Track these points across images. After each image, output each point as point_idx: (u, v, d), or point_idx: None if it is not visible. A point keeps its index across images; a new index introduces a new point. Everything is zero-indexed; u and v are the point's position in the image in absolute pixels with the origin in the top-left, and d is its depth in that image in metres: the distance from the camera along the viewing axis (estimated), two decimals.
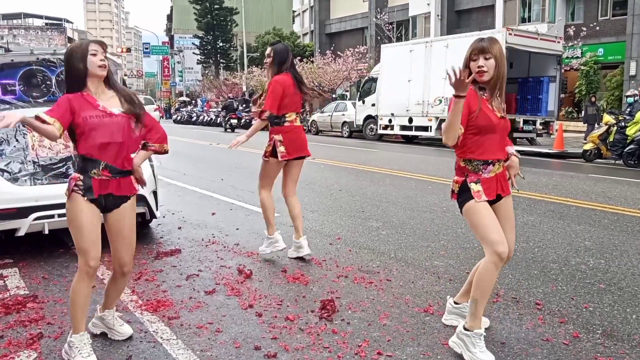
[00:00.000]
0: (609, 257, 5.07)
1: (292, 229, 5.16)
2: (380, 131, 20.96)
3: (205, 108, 42.09)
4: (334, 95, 33.21)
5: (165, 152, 3.29)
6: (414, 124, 19.17)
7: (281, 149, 4.78)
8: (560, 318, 3.64)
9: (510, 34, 15.92)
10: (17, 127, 4.96)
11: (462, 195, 3.13)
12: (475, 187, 3.08)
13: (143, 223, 5.70)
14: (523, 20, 28.60)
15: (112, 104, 3.05)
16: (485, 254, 3.10)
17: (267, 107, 4.70)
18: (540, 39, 16.96)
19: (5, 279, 4.42)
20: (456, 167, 3.20)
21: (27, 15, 57.77)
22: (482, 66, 2.98)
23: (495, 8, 30.07)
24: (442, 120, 17.30)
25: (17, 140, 4.93)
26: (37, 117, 2.78)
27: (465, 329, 3.08)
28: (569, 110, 28.28)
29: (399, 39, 32.90)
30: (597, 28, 26.43)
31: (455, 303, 3.49)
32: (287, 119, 4.80)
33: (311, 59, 38.02)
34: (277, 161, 4.83)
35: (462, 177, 3.14)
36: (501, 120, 3.08)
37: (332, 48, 38.03)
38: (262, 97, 4.81)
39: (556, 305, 3.86)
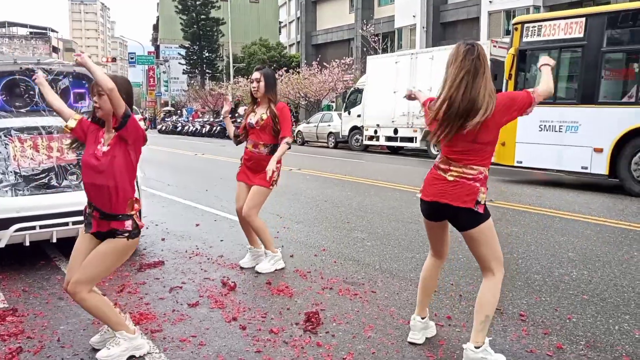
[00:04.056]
0: (591, 268, 5.11)
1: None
2: (366, 142, 21.07)
3: (191, 118, 42.04)
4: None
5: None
6: (399, 135, 19.29)
7: (276, 174, 4.81)
8: (544, 329, 3.65)
9: (494, 46, 16.14)
10: None
11: (486, 209, 3.06)
12: (486, 199, 3.09)
13: None
14: (507, 33, 28.89)
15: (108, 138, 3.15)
16: (491, 272, 3.08)
17: (291, 135, 4.79)
18: None
19: None
20: (483, 178, 3.04)
21: (11, 24, 57.39)
22: None
23: (480, 20, 30.45)
24: (427, 132, 17.50)
25: None
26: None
27: (477, 347, 3.00)
28: None
29: (384, 51, 33.14)
30: None
31: (422, 318, 3.46)
32: None
33: (297, 70, 38.13)
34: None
35: (486, 188, 3.07)
36: None
37: (318, 59, 38.17)
38: (275, 123, 4.72)
39: (540, 317, 3.88)
